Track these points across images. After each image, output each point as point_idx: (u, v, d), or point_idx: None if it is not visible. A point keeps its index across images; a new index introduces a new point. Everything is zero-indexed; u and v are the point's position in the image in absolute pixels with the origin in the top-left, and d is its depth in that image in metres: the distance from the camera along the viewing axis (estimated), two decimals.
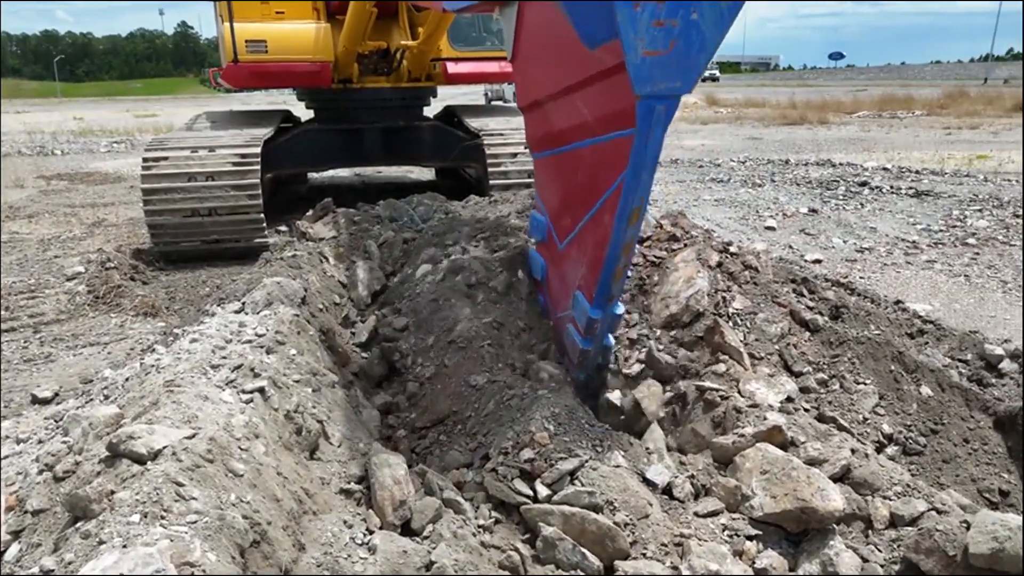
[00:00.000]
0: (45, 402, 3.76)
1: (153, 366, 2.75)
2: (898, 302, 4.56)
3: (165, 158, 6.82)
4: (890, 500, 2.59)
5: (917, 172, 11.18)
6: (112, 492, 1.79)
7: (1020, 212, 7.85)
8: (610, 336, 3.28)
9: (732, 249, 4.44)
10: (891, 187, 9.84)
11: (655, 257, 3.99)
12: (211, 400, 2.30)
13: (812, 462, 2.67)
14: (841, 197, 9.34)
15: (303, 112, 9.76)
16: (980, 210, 8.26)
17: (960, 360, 3.69)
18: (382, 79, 8.28)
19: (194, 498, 1.79)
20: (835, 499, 2.47)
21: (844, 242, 7.09)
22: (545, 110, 3.19)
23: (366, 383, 3.77)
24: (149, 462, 1.92)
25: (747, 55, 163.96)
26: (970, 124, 20.77)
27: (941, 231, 7.33)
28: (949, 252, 6.60)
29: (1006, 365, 3.54)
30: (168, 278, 6.40)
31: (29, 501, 2.03)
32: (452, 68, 8.35)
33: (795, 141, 17.22)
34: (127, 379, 2.83)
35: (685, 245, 3.94)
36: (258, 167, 6.90)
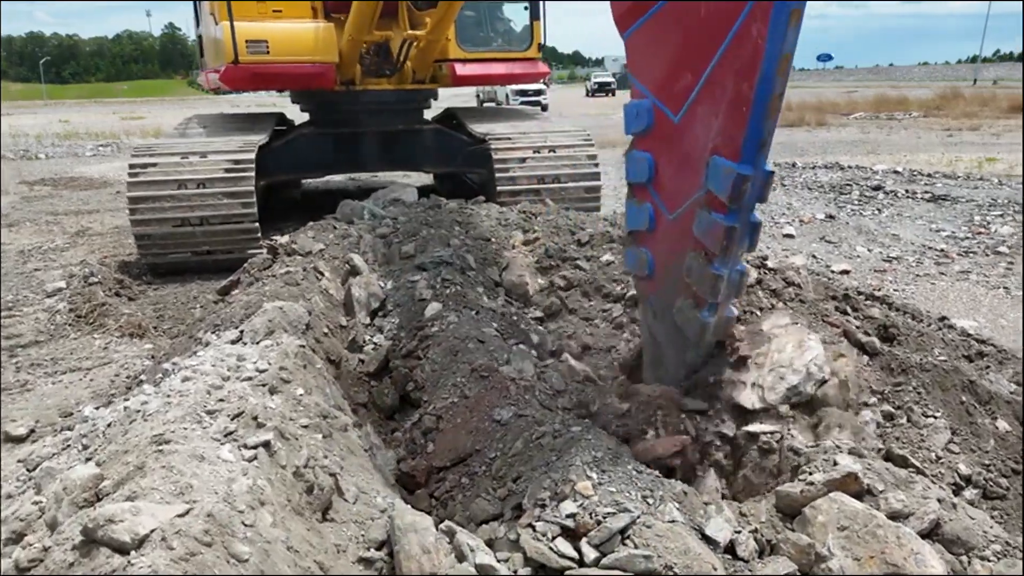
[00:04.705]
0: (19, 440, 3.38)
1: (139, 411, 2.38)
2: (943, 318, 4.26)
3: (153, 164, 6.46)
4: (989, 561, 2.27)
5: (929, 176, 10.94)
6: None
7: None
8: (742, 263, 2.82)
9: (770, 264, 4.14)
10: (906, 191, 9.58)
11: None
12: (208, 461, 1.94)
13: (896, 516, 2.34)
14: (856, 202, 9.07)
15: (297, 115, 9.40)
16: (1002, 215, 8.01)
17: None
18: (384, 81, 7.93)
19: None
20: (933, 565, 2.14)
21: (869, 251, 6.80)
22: None
23: (377, 415, 3.43)
24: (133, 551, 1.56)
25: None
26: (969, 125, 20.62)
27: (968, 238, 7.07)
28: (982, 262, 6.32)
29: None
30: (156, 293, 6.01)
31: None
32: (460, 69, 8.04)
33: (796, 143, 16.97)
34: (109, 424, 2.46)
35: (772, 307, 3.52)
36: (252, 174, 6.55)
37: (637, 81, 2.99)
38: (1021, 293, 5.26)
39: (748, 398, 2.95)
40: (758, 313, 3.71)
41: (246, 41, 7.04)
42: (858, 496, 2.40)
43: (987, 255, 6.53)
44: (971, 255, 6.56)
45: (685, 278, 2.86)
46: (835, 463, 2.54)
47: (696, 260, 2.78)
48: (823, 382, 2.96)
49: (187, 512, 1.68)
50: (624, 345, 3.95)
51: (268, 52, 7.17)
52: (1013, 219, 7.81)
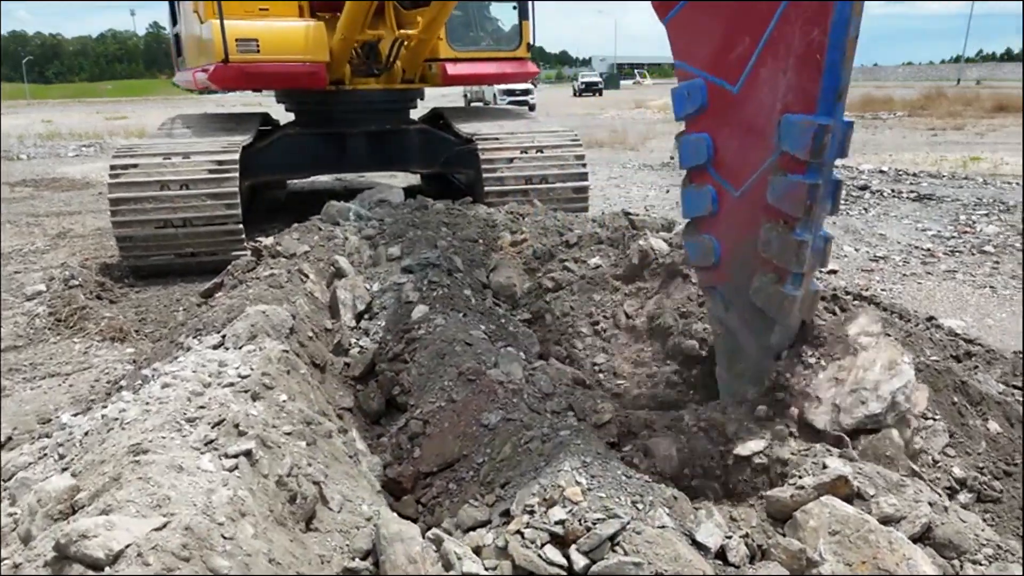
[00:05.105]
0: None
1: (117, 419, 2.32)
2: (931, 318, 4.26)
3: (135, 165, 6.35)
4: (980, 565, 2.25)
5: (914, 175, 10.98)
6: None
7: None
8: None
9: None
10: (892, 191, 9.62)
11: None
12: (187, 471, 1.88)
13: (887, 520, 2.32)
14: (843, 202, 9.09)
15: (282, 115, 9.31)
16: (987, 215, 8.05)
17: (1016, 387, 3.38)
18: (372, 80, 7.86)
19: None
20: (925, 570, 2.12)
21: (856, 250, 6.81)
22: None
23: (362, 420, 3.38)
24: (108, 567, 1.50)
25: None
26: (954, 125, 20.76)
27: (954, 238, 7.10)
28: (968, 261, 6.34)
29: None
30: (138, 296, 5.91)
31: None
32: (451, 69, 7.99)
33: None
34: (86, 433, 2.40)
35: (851, 318, 2.98)
36: (236, 175, 6.46)
37: (684, 63, 2.88)
38: (1021, 294, 5.25)
39: (822, 419, 2.69)
40: (838, 312, 3.55)
41: (236, 40, 6.92)
42: (848, 500, 2.38)
43: (973, 254, 6.56)
44: (957, 254, 6.58)
45: (762, 253, 2.70)
46: (824, 466, 2.51)
47: (774, 230, 2.63)
48: (902, 417, 2.70)
49: (164, 526, 1.63)
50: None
51: (258, 51, 7.05)
52: (998, 218, 7.86)
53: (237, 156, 6.58)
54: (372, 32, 7.31)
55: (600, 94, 53.36)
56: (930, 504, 2.39)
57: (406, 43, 7.42)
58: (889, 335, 2.88)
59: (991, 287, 5.54)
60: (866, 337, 2.80)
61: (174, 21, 9.69)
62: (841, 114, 2.50)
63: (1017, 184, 9.99)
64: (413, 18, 7.38)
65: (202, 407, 2.30)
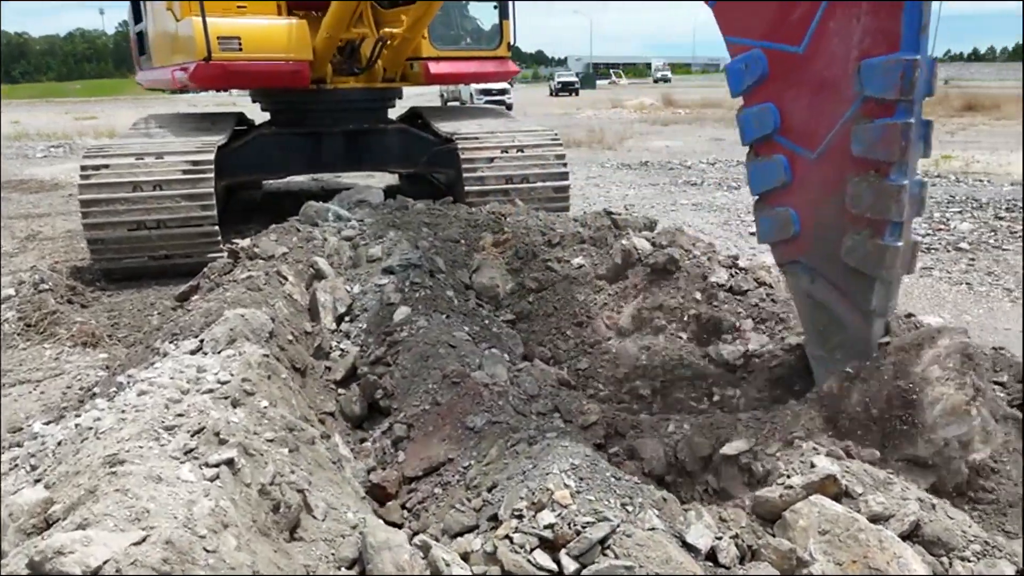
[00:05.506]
0: None
1: (92, 428, 2.25)
2: (910, 315, 4.29)
3: (106, 166, 6.22)
4: (969, 561, 2.25)
5: None
6: None
7: (1003, 214, 7.76)
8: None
9: (741, 263, 4.13)
10: None
11: None
12: (166, 482, 1.82)
13: (876, 518, 2.32)
14: None
15: (257, 114, 9.17)
16: (961, 212, 8.16)
17: (997, 383, 3.41)
18: (351, 79, 7.77)
19: None
20: (916, 568, 2.12)
21: None
22: None
23: (345, 424, 3.32)
24: None
25: (697, 56, 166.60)
26: None
27: (929, 235, 7.18)
28: (944, 258, 6.42)
29: None
30: (111, 300, 5.78)
31: None
32: (434, 68, 7.93)
33: None
34: (60, 443, 2.32)
35: (932, 340, 2.73)
36: (212, 175, 6.35)
37: (737, 38, 2.84)
38: (1022, 295, 5.32)
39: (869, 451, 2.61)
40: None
41: (218, 38, 6.77)
42: (837, 498, 2.38)
43: (948, 251, 6.64)
44: (933, 251, 6.65)
45: (852, 210, 2.60)
46: (812, 465, 2.51)
47: (865, 182, 2.56)
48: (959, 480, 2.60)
49: (143, 540, 1.57)
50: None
51: (241, 49, 6.91)
52: (972, 215, 7.97)
53: (212, 156, 6.47)
54: (356, 31, 7.23)
55: (576, 94, 53.46)
56: (918, 501, 2.39)
57: (390, 42, 7.35)
58: (967, 373, 2.65)
59: (967, 283, 5.61)
60: (940, 369, 2.62)
61: (137, 19, 9.47)
62: (926, 48, 2.44)
63: (989, 182, 10.16)
64: (396, 16, 7.30)
65: (181, 415, 2.24)
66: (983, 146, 14.33)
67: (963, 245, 6.74)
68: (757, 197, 3.00)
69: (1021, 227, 6.99)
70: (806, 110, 2.73)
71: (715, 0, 2.88)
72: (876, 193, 2.54)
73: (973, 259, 6.28)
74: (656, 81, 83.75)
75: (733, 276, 3.96)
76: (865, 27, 2.47)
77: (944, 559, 2.25)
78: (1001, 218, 7.68)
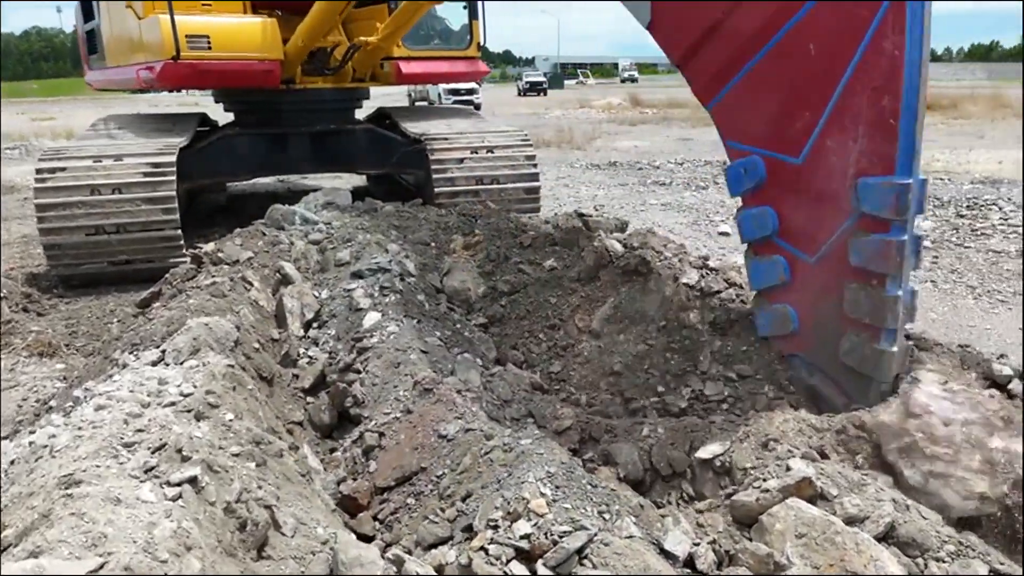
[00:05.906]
0: None
1: (46, 446, 2.14)
2: None
3: (63, 168, 6.02)
4: (944, 562, 2.26)
5: None
6: None
7: (964, 212, 7.91)
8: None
9: (711, 264, 4.12)
10: None
11: None
12: (125, 503, 1.74)
13: (852, 520, 2.32)
14: None
15: (220, 115, 8.98)
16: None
17: (964, 381, 3.45)
18: (320, 79, 7.65)
19: None
20: (892, 570, 2.12)
21: None
22: (722, 30, 2.82)
23: (314, 434, 3.24)
24: None
25: (663, 56, 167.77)
26: None
27: None
28: None
29: (1016, 386, 3.30)
30: (69, 308, 5.59)
31: None
32: (405, 68, 7.85)
33: None
34: (12, 462, 2.21)
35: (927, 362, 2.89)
36: (173, 178, 6.19)
37: (736, 143, 2.97)
38: (1022, 295, 5.37)
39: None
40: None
41: (186, 36, 6.59)
42: (812, 501, 2.37)
43: None
44: None
45: (849, 314, 2.74)
46: (788, 468, 2.51)
47: (862, 290, 2.68)
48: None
49: (100, 567, 1.49)
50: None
51: (210, 48, 6.74)
52: (933, 213, 8.11)
53: (174, 158, 6.31)
54: (330, 39, 7.15)
55: (544, 94, 53.56)
56: (893, 502, 2.40)
57: (365, 46, 7.27)
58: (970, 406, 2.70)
59: (932, 281, 5.69)
60: (935, 412, 2.66)
61: (87, 17, 9.18)
62: (918, 172, 2.54)
63: (949, 180, 10.37)
64: (371, 24, 7.23)
65: (141, 430, 2.14)
66: (942, 145, 14.63)
67: (926, 244, 6.84)
68: (756, 293, 3.13)
69: (1021, 227, 7.08)
70: (805, 217, 2.85)
71: (713, 103, 2.97)
72: (872, 302, 2.68)
73: (936, 257, 6.37)
74: (623, 81, 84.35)
75: (704, 277, 3.95)
76: (862, 148, 2.57)
77: (919, 560, 2.26)
78: (963, 216, 7.82)
